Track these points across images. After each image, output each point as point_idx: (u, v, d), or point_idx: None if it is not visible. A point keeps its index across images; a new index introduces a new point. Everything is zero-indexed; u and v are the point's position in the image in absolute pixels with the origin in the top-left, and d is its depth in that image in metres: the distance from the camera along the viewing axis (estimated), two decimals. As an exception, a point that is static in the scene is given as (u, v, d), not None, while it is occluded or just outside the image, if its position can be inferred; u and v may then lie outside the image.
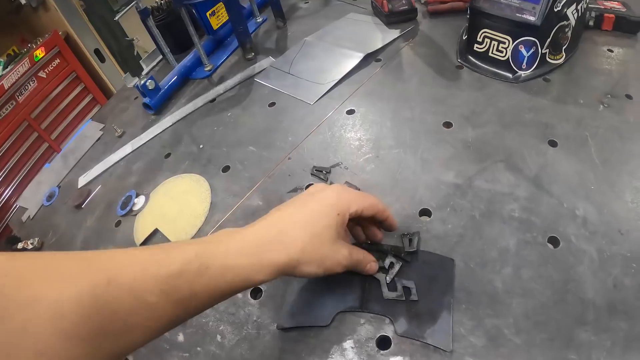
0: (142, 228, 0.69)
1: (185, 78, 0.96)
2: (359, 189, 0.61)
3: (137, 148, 0.86)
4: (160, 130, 0.86)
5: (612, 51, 0.76)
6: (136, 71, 1.06)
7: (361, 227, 0.54)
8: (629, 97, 0.69)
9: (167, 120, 0.87)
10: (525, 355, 0.50)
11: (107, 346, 0.32)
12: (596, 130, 0.63)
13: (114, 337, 0.32)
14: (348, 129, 0.68)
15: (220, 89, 0.87)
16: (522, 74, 0.69)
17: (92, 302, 0.30)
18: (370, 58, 0.79)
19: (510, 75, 0.69)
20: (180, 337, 0.54)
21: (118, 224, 0.73)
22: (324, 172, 0.64)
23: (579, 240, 0.55)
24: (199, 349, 0.53)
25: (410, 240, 0.55)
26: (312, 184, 0.62)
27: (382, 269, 0.54)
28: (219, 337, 0.53)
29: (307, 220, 0.42)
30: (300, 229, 0.41)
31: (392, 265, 0.54)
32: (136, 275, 0.33)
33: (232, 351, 0.51)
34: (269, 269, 0.38)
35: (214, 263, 0.36)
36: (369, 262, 0.50)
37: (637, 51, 0.76)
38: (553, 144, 0.61)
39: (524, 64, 0.68)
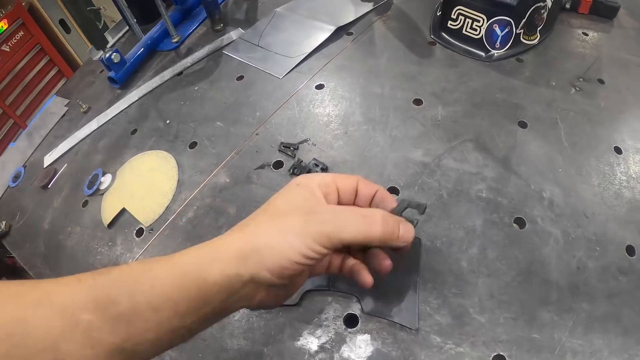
0: (109, 208, 0.67)
1: (152, 50, 0.93)
2: (326, 167, 0.59)
3: (103, 124, 0.83)
4: (126, 105, 0.83)
5: (587, 35, 0.76)
6: (101, 44, 1.01)
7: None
8: (601, 81, 0.69)
9: (133, 95, 0.84)
10: (489, 333, 0.50)
11: None
12: (566, 113, 0.63)
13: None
14: (317, 105, 0.66)
15: (187, 61, 0.84)
16: (495, 53, 0.68)
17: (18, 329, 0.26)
18: (341, 31, 0.77)
19: (483, 54, 0.69)
20: None
21: (85, 204, 0.71)
22: (291, 148, 0.62)
23: (545, 222, 0.55)
24: None
25: None
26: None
27: None
28: None
29: (270, 209, 0.39)
30: (264, 219, 0.38)
31: None
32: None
33: (203, 332, 0.50)
34: (226, 257, 0.35)
35: (157, 263, 0.33)
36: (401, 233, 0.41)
37: (611, 36, 0.76)
38: (523, 125, 0.61)
39: (498, 43, 0.67)
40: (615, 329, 0.52)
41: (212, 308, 0.32)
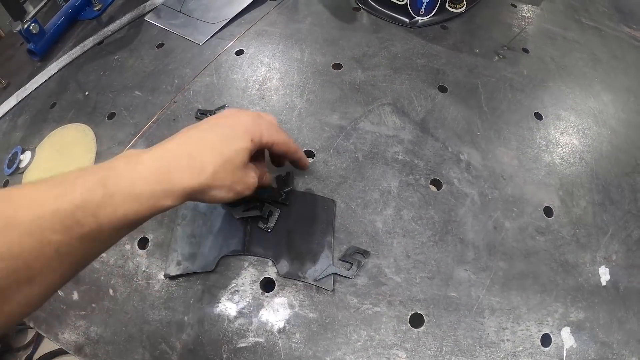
0: None
1: (73, 19, 0.94)
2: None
3: (23, 100, 0.83)
4: (46, 78, 0.84)
5: (515, 6, 0.83)
6: (20, 14, 1.00)
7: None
8: (525, 50, 0.75)
9: (53, 67, 0.85)
10: (405, 293, 0.54)
11: (11, 301, 0.31)
12: (488, 79, 0.69)
13: (17, 287, 0.31)
14: (235, 71, 0.69)
15: (108, 30, 0.86)
16: (420, 19, 0.73)
17: None
18: (265, -4, 0.81)
19: (407, 20, 0.74)
20: (75, 296, 0.56)
21: (6, 184, 0.72)
22: (208, 115, 0.65)
23: (462, 183, 0.59)
24: (93, 305, 0.55)
25: (285, 181, 0.57)
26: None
27: (261, 219, 0.56)
28: (111, 291, 0.56)
29: (219, 144, 0.42)
30: (212, 152, 0.42)
31: (271, 213, 0.56)
32: (35, 213, 0.32)
33: (125, 304, 0.54)
34: (177, 194, 0.39)
35: (120, 190, 0.36)
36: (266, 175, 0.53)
37: (540, 9, 0.84)
38: (443, 89, 0.66)
39: (422, 10, 0.73)
40: (533, 286, 0.57)
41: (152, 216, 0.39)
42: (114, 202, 0.35)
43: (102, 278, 0.58)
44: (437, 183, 0.60)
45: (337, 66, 0.68)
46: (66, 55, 0.86)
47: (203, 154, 0.41)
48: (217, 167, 0.41)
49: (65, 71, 0.84)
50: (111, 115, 0.72)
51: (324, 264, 0.54)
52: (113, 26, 0.86)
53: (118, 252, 0.59)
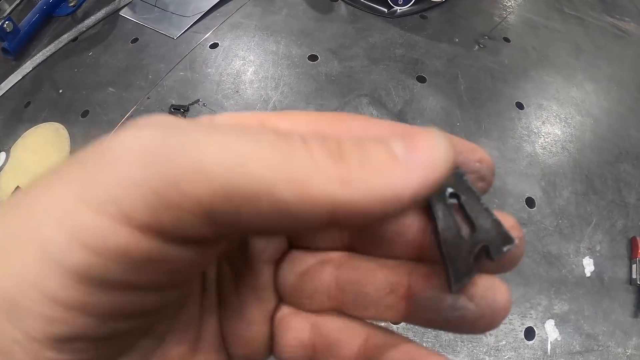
0: (5, 187, 0.67)
1: (48, 16, 0.91)
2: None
3: None
4: (21, 77, 0.82)
5: (496, -4, 0.82)
6: None
7: None
8: (506, 40, 0.74)
9: (28, 65, 0.83)
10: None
11: None
12: (468, 69, 0.67)
13: None
14: (210, 64, 0.67)
15: (83, 26, 0.84)
16: (398, 9, 0.72)
17: None
18: (241, -12, 0.79)
19: (385, 10, 0.72)
20: None
21: None
22: (181, 110, 0.63)
23: (441, 174, 0.57)
24: None
25: None
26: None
27: None
28: None
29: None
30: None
31: None
32: None
33: None
34: None
35: None
36: None
37: (521, -2, 0.82)
38: (422, 79, 0.64)
39: None
40: (515, 279, 0.55)
41: None
42: None
43: None
44: (416, 175, 0.58)
45: (313, 58, 0.66)
46: (41, 53, 0.84)
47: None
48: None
49: (40, 69, 0.82)
50: (85, 113, 0.70)
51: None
52: (88, 22, 0.84)
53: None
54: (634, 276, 0.61)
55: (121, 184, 0.11)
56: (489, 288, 0.15)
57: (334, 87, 0.63)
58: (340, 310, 0.17)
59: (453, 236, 0.14)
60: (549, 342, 0.55)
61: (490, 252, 0.14)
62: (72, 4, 0.88)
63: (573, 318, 0.57)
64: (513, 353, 0.53)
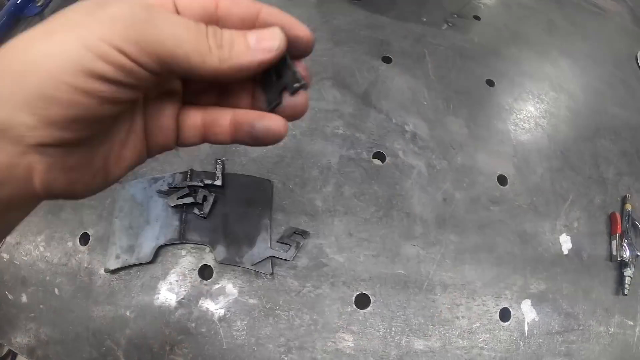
0: None
1: (16, 18, 0.90)
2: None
3: None
4: None
5: (466, -24, 0.79)
6: None
7: None
8: (477, 18, 0.72)
9: None
10: (349, 273, 0.50)
11: None
12: (436, 48, 0.65)
13: None
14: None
15: None
16: (364, -8, 0.69)
17: None
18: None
19: (350, -7, 0.70)
20: (24, 298, 0.54)
21: None
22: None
23: (407, 155, 0.55)
24: (42, 306, 0.53)
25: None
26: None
27: (196, 205, 0.52)
28: (56, 290, 0.53)
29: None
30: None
31: (205, 198, 0.53)
32: None
33: (70, 303, 0.52)
34: None
35: None
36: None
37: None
38: (387, 60, 0.62)
39: (366, -18, 0.69)
40: (488, 259, 0.53)
41: None
42: None
43: (48, 278, 0.54)
44: (380, 156, 0.56)
45: (275, 44, 0.64)
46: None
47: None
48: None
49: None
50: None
51: (262, 248, 0.51)
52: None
53: (61, 250, 0.56)
54: (614, 252, 0.58)
55: (117, 32, 0.20)
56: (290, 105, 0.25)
57: (296, 71, 0.61)
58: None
59: (269, 82, 0.26)
60: (526, 322, 0.53)
61: (288, 88, 0.25)
62: (39, 4, 0.86)
63: (551, 297, 0.55)
64: (488, 335, 0.51)
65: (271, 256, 0.50)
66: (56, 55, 0.20)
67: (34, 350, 0.53)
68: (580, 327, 0.55)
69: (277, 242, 0.51)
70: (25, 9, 0.87)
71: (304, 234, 0.51)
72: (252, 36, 0.23)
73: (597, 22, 0.81)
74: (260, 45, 0.23)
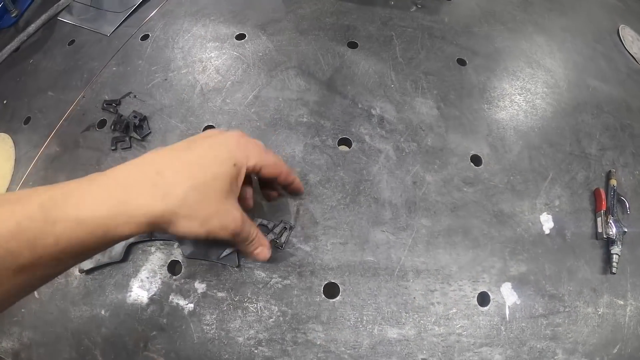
0: None
1: (-9, 29, 0.90)
2: (144, 118, 0.58)
3: None
4: None
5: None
6: None
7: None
8: (447, -1, 0.69)
9: None
10: (316, 262, 0.49)
11: None
12: (404, 30, 0.63)
13: None
14: (140, 56, 0.65)
15: (24, 35, 0.83)
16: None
17: None
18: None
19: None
20: None
21: None
22: (113, 104, 0.61)
23: (374, 139, 0.53)
24: (23, 310, 0.53)
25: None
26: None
27: None
28: (36, 293, 0.53)
29: (194, 164, 0.34)
30: (184, 173, 0.33)
31: None
32: None
33: (49, 305, 0.52)
34: (137, 219, 0.31)
35: (63, 217, 0.29)
36: (260, 246, 0.42)
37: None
38: (353, 45, 0.60)
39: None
40: (463, 242, 0.51)
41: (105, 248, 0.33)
42: (56, 230, 0.28)
43: None
44: (346, 142, 0.54)
45: (240, 36, 0.63)
46: (-15, 67, 0.83)
47: (174, 173, 0.33)
48: (188, 190, 0.33)
49: (-15, 82, 0.82)
50: (27, 120, 0.69)
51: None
52: (28, 30, 0.82)
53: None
54: (599, 230, 0.55)
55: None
56: None
57: (261, 63, 0.59)
58: None
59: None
60: (507, 306, 0.50)
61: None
62: (13, 15, 0.87)
63: (533, 279, 0.52)
64: (466, 321, 0.49)
65: (237, 249, 0.49)
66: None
67: (19, 354, 0.53)
68: (567, 309, 0.52)
69: None
70: (0, 20, 0.88)
71: (268, 223, 0.49)
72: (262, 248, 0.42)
73: (577, -3, 0.78)
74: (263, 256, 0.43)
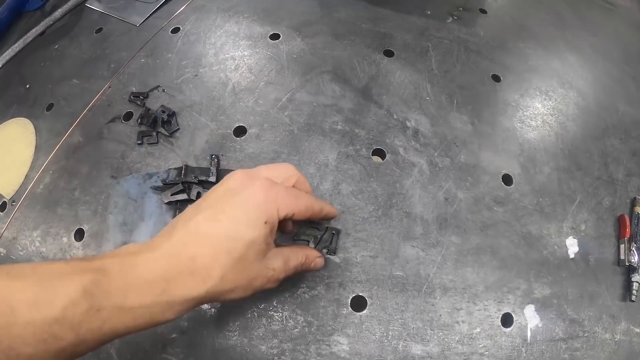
0: None
1: (18, 12, 0.88)
2: (172, 113, 0.56)
3: None
4: None
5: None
6: None
7: None
8: (483, 11, 0.68)
9: None
10: (345, 274, 0.48)
11: None
12: (440, 41, 0.61)
13: None
14: (170, 50, 0.63)
15: (50, 19, 0.80)
16: (366, -17, 0.66)
17: None
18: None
19: (352, -15, 0.66)
20: None
21: None
22: (140, 97, 0.59)
23: (408, 152, 0.52)
24: None
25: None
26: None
27: (190, 202, 0.50)
28: None
29: (226, 240, 0.34)
30: (218, 252, 0.33)
31: (199, 194, 0.51)
32: (5, 320, 0.26)
33: None
34: (180, 306, 0.32)
35: (109, 304, 0.29)
36: (314, 259, 0.42)
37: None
38: (389, 53, 0.59)
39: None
40: (491, 262, 0.50)
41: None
42: (101, 316, 0.29)
43: None
44: (380, 153, 0.53)
45: (274, 36, 0.61)
46: (10, 50, 0.81)
47: (208, 254, 0.33)
48: (225, 269, 0.33)
49: (9, 66, 0.79)
50: (50, 107, 0.67)
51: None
52: (55, 15, 0.80)
53: (56, 246, 0.54)
54: (621, 257, 0.55)
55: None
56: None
57: (295, 65, 0.58)
58: None
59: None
60: (529, 328, 0.50)
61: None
62: (41, -2, 0.85)
63: (555, 303, 0.51)
64: (489, 341, 0.48)
65: None
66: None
67: None
68: (585, 334, 0.51)
69: (294, 239, 0.48)
70: (27, 3, 0.86)
71: (319, 226, 0.48)
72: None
73: (606, 17, 0.77)
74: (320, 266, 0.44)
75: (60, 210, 0.57)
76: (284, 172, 0.39)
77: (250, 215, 0.34)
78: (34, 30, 0.80)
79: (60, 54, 0.73)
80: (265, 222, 0.35)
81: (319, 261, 0.43)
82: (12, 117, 0.70)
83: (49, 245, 0.55)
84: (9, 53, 0.80)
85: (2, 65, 0.79)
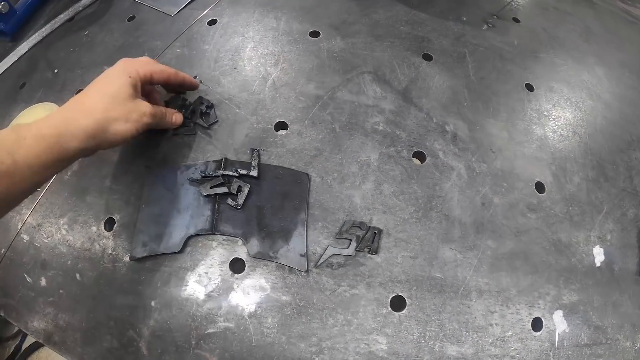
0: None
1: (47, -6, 0.86)
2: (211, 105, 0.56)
3: None
4: (16, 59, 0.78)
5: (504, -23, 0.76)
6: None
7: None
8: (516, 20, 0.69)
9: (24, 47, 0.79)
10: (385, 273, 0.48)
11: None
12: (476, 48, 0.62)
13: None
14: (207, 41, 0.62)
15: (79, 5, 0.79)
16: (404, -14, 0.66)
17: None
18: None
19: (390, -14, 0.66)
20: (43, 282, 0.52)
21: None
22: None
23: (447, 156, 0.53)
24: (61, 291, 0.51)
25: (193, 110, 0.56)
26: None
27: (230, 195, 0.49)
28: (78, 275, 0.51)
29: (102, 87, 0.47)
30: (98, 94, 0.46)
31: (240, 188, 0.49)
32: None
33: (92, 289, 0.50)
34: (78, 134, 0.43)
35: (30, 134, 0.41)
36: (172, 114, 0.53)
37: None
38: (428, 57, 0.59)
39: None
40: (523, 267, 0.51)
41: (68, 162, 0.45)
42: (26, 143, 0.41)
43: (69, 262, 0.52)
44: (420, 155, 0.53)
45: (314, 34, 0.61)
46: (37, 34, 0.80)
47: (92, 98, 0.46)
48: (105, 104, 0.45)
49: (36, 50, 0.78)
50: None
51: (298, 243, 0.48)
52: (84, 1, 0.79)
53: (84, 235, 0.54)
54: (644, 267, 0.56)
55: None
56: None
57: (335, 63, 0.58)
58: None
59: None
60: (557, 333, 0.51)
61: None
62: (67, -21, 0.83)
63: (582, 309, 0.52)
64: (520, 344, 0.49)
65: (333, 254, 0.47)
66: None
67: (51, 336, 0.51)
68: (608, 341, 0.53)
69: (336, 237, 0.48)
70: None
71: (362, 225, 0.48)
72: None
73: (632, 31, 0.78)
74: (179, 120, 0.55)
75: (89, 199, 0.55)
76: (144, 59, 0.52)
77: (116, 72, 0.48)
78: (62, 15, 0.79)
79: (90, 40, 0.71)
80: (129, 77, 0.47)
81: (178, 116, 0.54)
82: (39, 101, 0.69)
83: (76, 233, 0.54)
84: (36, 37, 0.79)
85: (29, 49, 0.78)
